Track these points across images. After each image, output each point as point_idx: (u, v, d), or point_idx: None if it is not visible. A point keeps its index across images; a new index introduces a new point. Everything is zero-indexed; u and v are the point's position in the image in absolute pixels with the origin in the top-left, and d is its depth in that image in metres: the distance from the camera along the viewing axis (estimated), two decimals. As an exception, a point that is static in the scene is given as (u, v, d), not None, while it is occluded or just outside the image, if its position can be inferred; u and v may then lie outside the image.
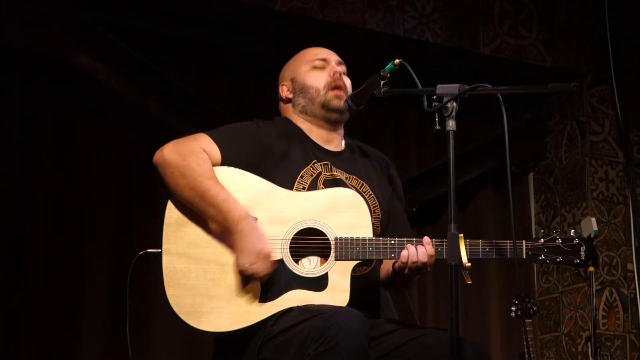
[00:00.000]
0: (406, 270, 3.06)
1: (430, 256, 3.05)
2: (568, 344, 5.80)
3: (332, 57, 3.37)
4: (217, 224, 3.04)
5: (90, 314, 4.90)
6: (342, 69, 3.36)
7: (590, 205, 5.83)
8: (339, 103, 3.28)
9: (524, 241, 3.17)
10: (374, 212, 3.23)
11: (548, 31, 5.88)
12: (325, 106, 3.29)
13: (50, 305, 4.83)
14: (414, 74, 3.06)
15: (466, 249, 2.94)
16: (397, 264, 3.09)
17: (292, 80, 3.36)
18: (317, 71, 3.33)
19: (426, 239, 3.08)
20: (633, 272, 5.85)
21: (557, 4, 5.94)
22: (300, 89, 3.33)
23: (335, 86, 3.29)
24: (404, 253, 3.05)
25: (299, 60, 3.39)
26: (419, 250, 3.04)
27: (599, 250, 5.73)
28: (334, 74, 3.31)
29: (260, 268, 2.99)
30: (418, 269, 3.06)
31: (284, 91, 3.39)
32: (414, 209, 5.57)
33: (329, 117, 3.31)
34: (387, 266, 3.25)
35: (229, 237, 3.03)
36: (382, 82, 3.13)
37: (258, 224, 3.05)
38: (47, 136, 5.01)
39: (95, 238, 5.01)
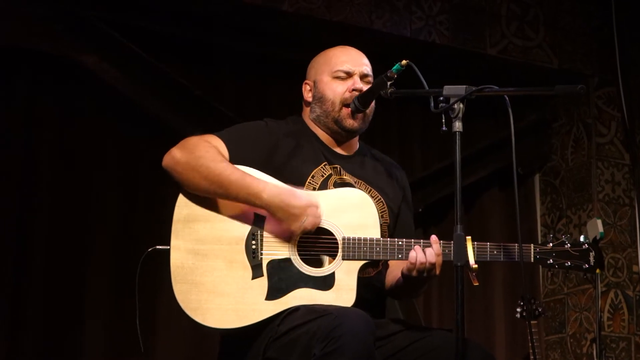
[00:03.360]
0: (414, 272, 3.05)
1: (437, 255, 3.04)
2: (573, 346, 5.80)
3: (357, 68, 3.31)
4: (242, 202, 3.05)
5: (95, 312, 4.91)
6: (367, 80, 3.31)
7: (596, 207, 5.83)
8: (352, 124, 3.28)
9: (532, 245, 3.17)
10: (382, 216, 3.23)
11: (554, 33, 5.88)
12: (338, 123, 3.29)
13: (55, 303, 4.83)
14: (421, 75, 3.06)
15: (474, 251, 2.94)
16: (405, 267, 3.07)
17: (315, 83, 3.34)
18: (338, 82, 3.30)
19: (433, 237, 3.07)
20: (638, 274, 5.85)
21: (563, 5, 5.94)
22: (319, 98, 3.31)
23: (350, 103, 3.27)
24: (412, 254, 3.04)
25: (325, 64, 3.35)
26: (427, 251, 3.04)
27: (604, 252, 5.72)
28: (353, 90, 3.27)
29: (311, 219, 3.01)
30: (426, 270, 3.04)
31: (306, 91, 3.38)
32: (420, 210, 5.58)
33: (340, 133, 3.31)
34: (394, 273, 3.25)
35: (254, 213, 3.06)
36: (388, 83, 3.13)
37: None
38: (51, 135, 5.02)
39: (100, 235, 5.01)
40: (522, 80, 5.82)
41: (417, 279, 3.08)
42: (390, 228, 3.28)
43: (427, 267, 3.04)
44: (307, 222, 3.02)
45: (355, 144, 3.39)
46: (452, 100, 2.88)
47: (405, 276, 3.09)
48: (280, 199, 3.02)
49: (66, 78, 5.06)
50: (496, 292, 5.94)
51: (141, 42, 5.11)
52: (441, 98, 2.91)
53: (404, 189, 3.41)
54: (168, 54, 5.27)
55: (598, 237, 5.40)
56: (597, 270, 5.39)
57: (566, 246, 3.17)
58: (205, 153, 3.08)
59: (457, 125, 2.86)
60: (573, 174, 6.01)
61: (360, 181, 3.26)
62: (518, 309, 5.44)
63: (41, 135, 5.00)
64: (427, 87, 3.04)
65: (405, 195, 3.41)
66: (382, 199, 3.26)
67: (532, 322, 5.39)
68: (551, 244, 3.17)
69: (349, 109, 3.26)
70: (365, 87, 3.28)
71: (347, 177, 3.24)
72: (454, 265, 2.78)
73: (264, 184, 3.04)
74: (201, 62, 5.40)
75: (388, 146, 5.55)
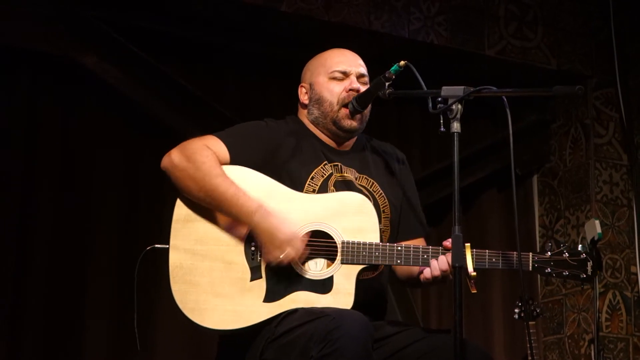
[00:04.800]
0: (431, 281, 3.09)
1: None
2: (571, 347, 5.80)
3: (354, 68, 3.32)
4: (232, 219, 3.05)
5: (95, 310, 4.91)
6: (364, 80, 3.32)
7: (594, 207, 5.83)
8: (350, 123, 3.28)
9: (530, 253, 3.15)
10: (384, 211, 3.23)
11: (553, 34, 5.88)
12: (336, 124, 3.29)
13: (56, 301, 4.84)
14: (419, 75, 3.06)
15: (472, 258, 2.94)
16: (422, 276, 3.11)
17: (311, 85, 3.34)
18: (335, 83, 3.29)
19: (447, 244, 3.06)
20: (636, 274, 5.85)
21: (562, 6, 5.94)
22: (316, 100, 3.31)
23: (349, 103, 3.27)
24: (427, 273, 3.07)
25: (321, 66, 3.35)
26: (442, 268, 3.05)
27: (602, 252, 5.72)
28: (350, 90, 3.27)
29: (293, 253, 3.00)
30: (443, 281, 3.08)
31: (302, 94, 3.37)
32: (419, 210, 5.57)
33: (338, 134, 3.31)
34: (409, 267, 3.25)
35: (244, 230, 3.05)
36: (387, 84, 3.13)
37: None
38: (52, 135, 5.02)
39: (101, 235, 5.02)
40: (521, 81, 5.82)
41: (434, 283, 3.12)
42: (394, 222, 3.29)
43: (446, 276, 3.06)
44: (287, 255, 3.00)
45: (355, 137, 3.39)
46: (450, 101, 2.88)
47: (425, 281, 3.13)
48: (268, 224, 3.00)
49: (66, 78, 5.06)
50: (494, 293, 5.94)
51: (141, 42, 5.11)
52: (439, 99, 2.92)
53: (404, 179, 3.41)
54: (168, 54, 5.27)
55: (596, 238, 5.39)
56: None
57: (564, 255, 3.16)
58: (203, 164, 3.07)
59: (456, 126, 2.86)
60: (571, 175, 6.01)
61: (361, 176, 3.27)
62: (516, 310, 5.43)
63: (42, 135, 5.00)
64: (425, 88, 3.05)
65: (407, 183, 3.40)
66: (383, 194, 3.26)
67: (530, 323, 5.37)
68: (549, 253, 3.15)
69: (347, 109, 3.26)
70: (361, 87, 3.28)
71: (348, 174, 3.24)
72: (451, 265, 2.79)
73: (257, 206, 3.03)
74: (201, 62, 5.41)
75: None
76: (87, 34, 5.01)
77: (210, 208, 3.07)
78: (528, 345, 5.21)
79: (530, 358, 5.13)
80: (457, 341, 2.72)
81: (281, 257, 2.99)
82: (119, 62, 5.07)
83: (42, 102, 5.03)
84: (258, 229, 3.01)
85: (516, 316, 5.43)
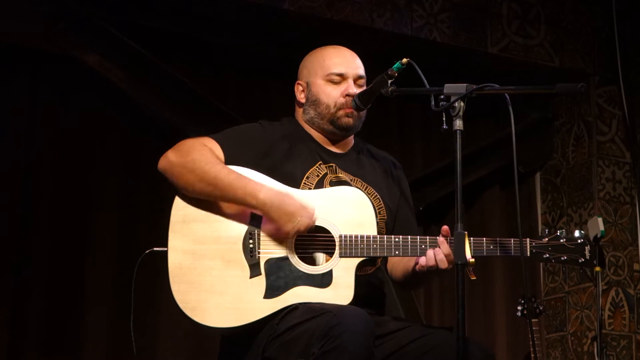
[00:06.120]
0: (426, 272, 3.07)
1: (447, 256, 3.03)
2: (574, 344, 5.80)
3: (351, 70, 3.30)
4: (238, 203, 3.06)
5: (94, 313, 4.91)
6: (361, 82, 3.31)
7: (597, 205, 5.83)
8: (348, 121, 3.28)
9: (528, 239, 3.16)
10: (379, 213, 3.23)
11: (556, 32, 5.88)
12: (334, 123, 3.28)
13: (55, 303, 4.83)
14: (422, 73, 3.06)
15: (470, 246, 2.94)
16: (417, 267, 3.09)
17: (308, 85, 3.34)
18: (332, 86, 3.28)
19: (445, 229, 3.06)
20: (639, 272, 5.85)
21: (565, 4, 5.94)
22: (313, 101, 3.31)
23: (346, 107, 3.27)
24: (422, 260, 3.05)
25: (318, 66, 3.33)
26: (437, 255, 3.05)
27: (605, 250, 5.73)
28: (347, 95, 3.26)
29: (306, 221, 3.02)
30: (438, 271, 3.06)
31: (299, 92, 3.37)
32: (421, 208, 5.57)
33: (335, 133, 3.31)
34: (403, 264, 3.25)
35: (246, 218, 3.06)
36: (389, 82, 3.13)
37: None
38: (52, 134, 5.02)
39: (99, 236, 5.01)
40: (523, 78, 5.83)
41: (430, 275, 3.11)
42: (389, 225, 3.28)
43: (439, 269, 3.05)
44: (300, 224, 3.02)
45: (351, 140, 3.39)
46: (452, 99, 2.88)
47: (418, 273, 3.11)
48: (276, 199, 3.02)
49: (68, 77, 5.06)
50: (497, 291, 5.94)
51: (143, 40, 5.11)
52: (442, 96, 2.91)
53: (400, 184, 3.41)
54: (170, 53, 5.27)
55: (599, 236, 5.39)
56: (598, 269, 5.41)
57: (562, 240, 3.17)
58: (201, 156, 3.08)
59: (458, 124, 2.86)
60: (574, 173, 6.01)
61: (356, 179, 3.26)
62: (519, 307, 5.44)
63: (42, 133, 5.00)
64: (427, 86, 3.04)
65: (402, 191, 3.40)
66: (378, 196, 3.26)
67: (533, 320, 5.39)
68: (546, 238, 3.17)
69: (344, 110, 3.26)
70: (358, 91, 3.27)
71: (343, 175, 3.24)
72: (454, 263, 2.79)
73: (261, 185, 3.05)
74: (203, 61, 5.41)
75: (389, 145, 5.54)
76: (89, 33, 5.00)
77: (213, 198, 3.08)
78: (531, 343, 5.22)
79: (533, 355, 5.14)
80: (460, 339, 2.72)
81: (294, 229, 3.01)
82: (120, 60, 5.07)
83: (43, 101, 5.02)
84: (266, 205, 3.03)
85: (519, 313, 5.45)
